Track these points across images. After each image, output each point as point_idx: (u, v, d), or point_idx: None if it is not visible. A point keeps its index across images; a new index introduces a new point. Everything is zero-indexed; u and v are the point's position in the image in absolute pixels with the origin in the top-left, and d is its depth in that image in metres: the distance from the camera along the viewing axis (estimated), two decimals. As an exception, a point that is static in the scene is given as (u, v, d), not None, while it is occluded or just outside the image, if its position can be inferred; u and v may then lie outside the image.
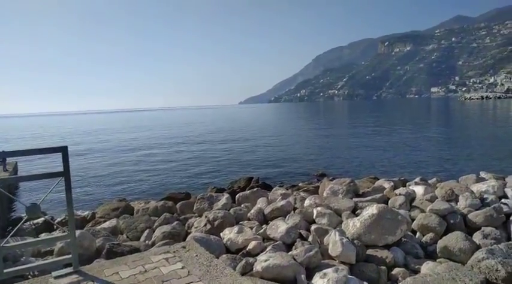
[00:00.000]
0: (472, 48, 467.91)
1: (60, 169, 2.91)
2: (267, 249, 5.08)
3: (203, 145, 25.21)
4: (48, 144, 31.04)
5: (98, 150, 24.89)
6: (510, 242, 5.15)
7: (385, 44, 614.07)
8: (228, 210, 7.01)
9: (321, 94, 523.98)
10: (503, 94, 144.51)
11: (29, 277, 4.00)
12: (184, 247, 3.41)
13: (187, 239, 5.32)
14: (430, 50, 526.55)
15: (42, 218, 7.39)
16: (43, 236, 6.18)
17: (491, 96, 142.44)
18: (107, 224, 6.90)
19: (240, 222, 6.46)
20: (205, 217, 6.23)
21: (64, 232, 3.24)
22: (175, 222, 6.36)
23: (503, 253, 4.68)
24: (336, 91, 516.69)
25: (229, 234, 5.60)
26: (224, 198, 7.60)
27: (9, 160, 14.30)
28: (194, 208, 7.45)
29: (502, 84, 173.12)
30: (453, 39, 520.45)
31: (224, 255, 5.00)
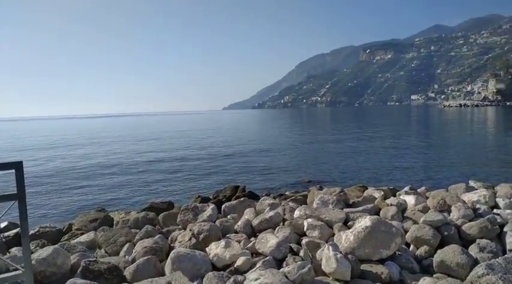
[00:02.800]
0: (450, 57, 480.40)
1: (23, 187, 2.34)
2: (257, 266, 4.76)
3: (186, 152, 24.72)
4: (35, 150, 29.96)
5: (77, 156, 24.09)
6: (508, 255, 4.98)
7: (367, 52, 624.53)
8: (214, 222, 6.67)
9: (304, 100, 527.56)
10: (480, 102, 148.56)
11: None
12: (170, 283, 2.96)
13: (170, 256, 4.95)
14: (410, 58, 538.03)
15: (14, 231, 6.91)
16: None
17: (469, 104, 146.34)
18: (83, 238, 6.45)
19: (227, 235, 6.12)
20: (190, 230, 5.87)
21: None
22: (158, 236, 5.96)
23: (502, 268, 4.49)
24: (319, 98, 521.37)
25: (215, 249, 5.25)
26: (210, 209, 7.24)
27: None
28: (178, 219, 7.06)
29: (479, 92, 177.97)
30: (432, 47, 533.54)
31: (210, 273, 4.65)
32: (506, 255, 5.14)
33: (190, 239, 5.57)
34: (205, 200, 9.51)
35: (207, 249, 5.41)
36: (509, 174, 13.67)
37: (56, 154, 25.08)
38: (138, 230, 6.55)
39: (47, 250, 4.78)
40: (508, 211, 6.48)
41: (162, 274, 4.86)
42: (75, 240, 6.35)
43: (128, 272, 4.79)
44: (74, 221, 8.11)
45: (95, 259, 5.03)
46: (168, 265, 4.84)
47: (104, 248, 6.04)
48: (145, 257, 4.96)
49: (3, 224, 7.38)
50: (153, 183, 14.39)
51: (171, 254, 4.92)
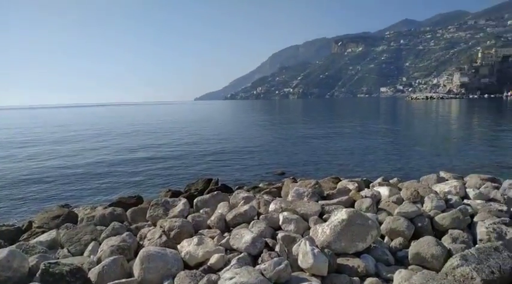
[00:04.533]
0: (418, 51, 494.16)
1: None
2: (232, 263, 4.56)
3: (155, 143, 24.05)
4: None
5: (37, 148, 22.96)
6: (479, 246, 5.03)
7: (339, 44, 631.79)
8: (186, 217, 6.41)
9: (277, 92, 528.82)
10: (446, 95, 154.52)
11: None
12: None
13: (139, 255, 4.66)
14: (380, 51, 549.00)
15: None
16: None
17: (435, 97, 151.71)
18: (44, 237, 6.02)
19: (200, 231, 5.88)
20: (160, 226, 5.58)
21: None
22: (126, 233, 5.63)
23: (475, 258, 4.52)
24: (291, 90, 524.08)
25: (187, 246, 5.01)
26: (181, 203, 6.96)
27: None
28: (147, 215, 6.74)
29: (444, 85, 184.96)
30: (401, 41, 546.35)
31: (182, 272, 4.42)
32: (477, 245, 5.20)
33: (160, 236, 5.29)
34: (176, 194, 9.20)
35: (178, 246, 5.16)
36: (475, 164, 14.14)
37: (14, 147, 23.79)
38: (104, 228, 6.20)
39: (1, 253, 4.38)
40: (478, 201, 6.60)
41: (130, 275, 4.57)
42: (35, 240, 5.92)
43: (92, 274, 4.48)
44: (35, 218, 7.61)
45: (55, 260, 4.67)
46: (136, 265, 4.56)
47: (66, 247, 5.66)
48: (112, 258, 4.65)
49: None
50: (120, 176, 13.84)
51: (140, 254, 4.63)
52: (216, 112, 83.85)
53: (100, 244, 5.49)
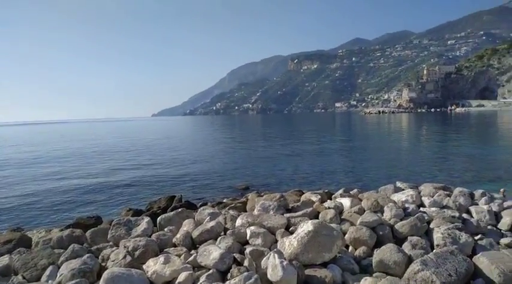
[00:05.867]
0: (369, 68, 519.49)
1: None
2: (201, 281, 4.49)
3: (112, 161, 23.21)
4: None
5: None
6: (437, 250, 5.32)
7: (295, 61, 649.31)
8: (150, 236, 6.23)
9: (236, 107, 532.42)
10: (396, 109, 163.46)
11: None
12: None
13: (103, 276, 4.46)
14: (334, 68, 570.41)
15: None
16: None
17: (386, 111, 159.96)
18: (-5, 264, 5.60)
19: (165, 249, 5.74)
20: (124, 246, 5.38)
21: None
22: (87, 255, 5.37)
23: (434, 263, 4.78)
24: (251, 105, 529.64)
25: (154, 266, 4.87)
26: (144, 222, 6.76)
27: None
28: (109, 235, 6.46)
29: (395, 100, 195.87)
30: (353, 59, 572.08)
31: (150, 292, 4.28)
32: (435, 250, 5.50)
33: (124, 257, 5.10)
34: (137, 213, 8.93)
35: (144, 266, 5.00)
36: (427, 173, 14.98)
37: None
38: (62, 251, 5.86)
39: None
40: (433, 209, 6.99)
41: (94, 299, 4.36)
42: (-16, 267, 5.48)
43: (52, 300, 4.22)
44: (-17, 244, 7.05)
45: (10, 288, 4.36)
46: (100, 288, 4.36)
47: (21, 273, 5.29)
48: (74, 281, 4.41)
49: None
50: (76, 197, 13.15)
51: (104, 275, 4.44)
52: (173, 129, 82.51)
53: (59, 268, 5.19)
